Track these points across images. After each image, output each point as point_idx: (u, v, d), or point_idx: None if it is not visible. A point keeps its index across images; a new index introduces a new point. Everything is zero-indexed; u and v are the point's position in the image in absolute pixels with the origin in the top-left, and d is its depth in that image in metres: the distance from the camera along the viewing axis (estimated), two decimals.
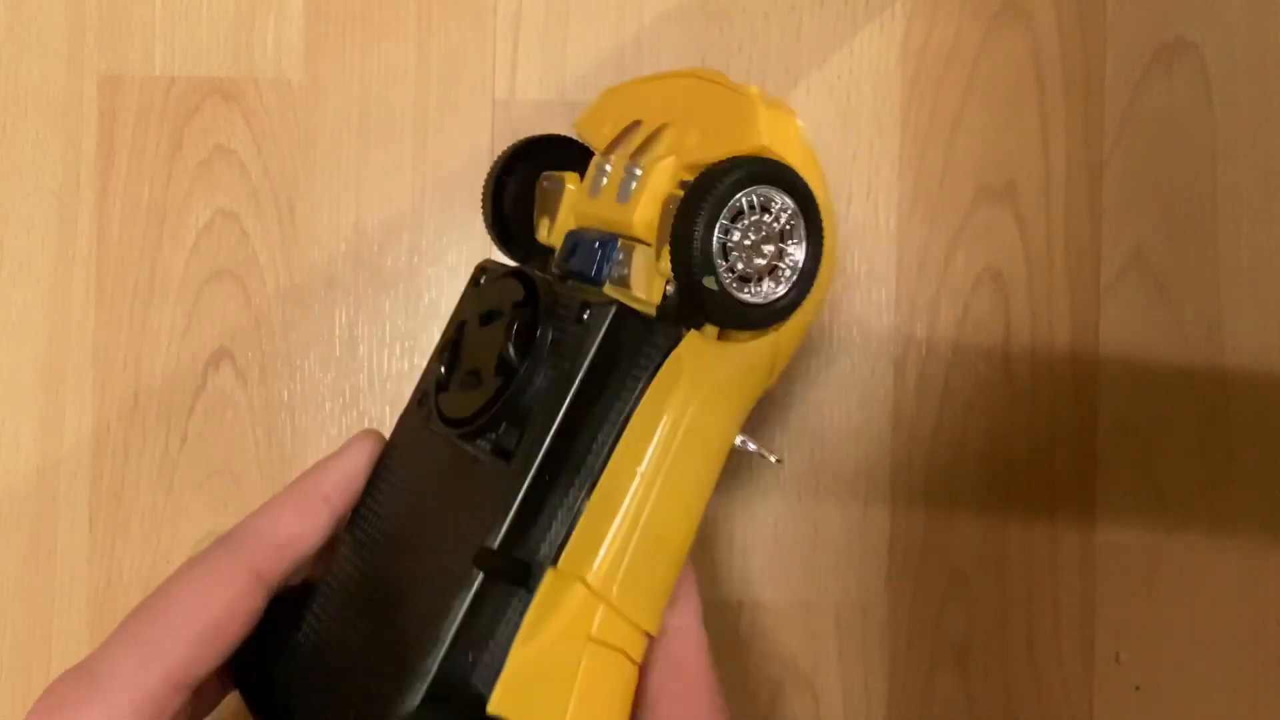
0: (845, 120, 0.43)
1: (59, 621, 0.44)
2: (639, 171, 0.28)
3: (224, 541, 0.29)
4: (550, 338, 0.26)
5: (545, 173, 0.33)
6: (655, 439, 0.26)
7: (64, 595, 0.44)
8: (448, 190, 0.44)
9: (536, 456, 0.25)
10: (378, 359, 0.44)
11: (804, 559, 0.43)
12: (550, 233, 0.32)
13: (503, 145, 0.43)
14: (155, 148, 0.44)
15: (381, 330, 0.44)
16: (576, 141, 0.34)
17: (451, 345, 0.29)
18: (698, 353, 0.27)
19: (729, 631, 0.43)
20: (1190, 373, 0.43)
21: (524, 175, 0.33)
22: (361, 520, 0.30)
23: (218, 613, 0.27)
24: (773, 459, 0.30)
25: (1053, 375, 0.43)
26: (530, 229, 0.33)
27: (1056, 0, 0.43)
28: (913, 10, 0.43)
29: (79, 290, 0.44)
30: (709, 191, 0.26)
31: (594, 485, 0.26)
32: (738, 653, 0.43)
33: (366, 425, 0.43)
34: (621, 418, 0.26)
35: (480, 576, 0.25)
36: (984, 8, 0.43)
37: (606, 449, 0.26)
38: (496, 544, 0.25)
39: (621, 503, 0.26)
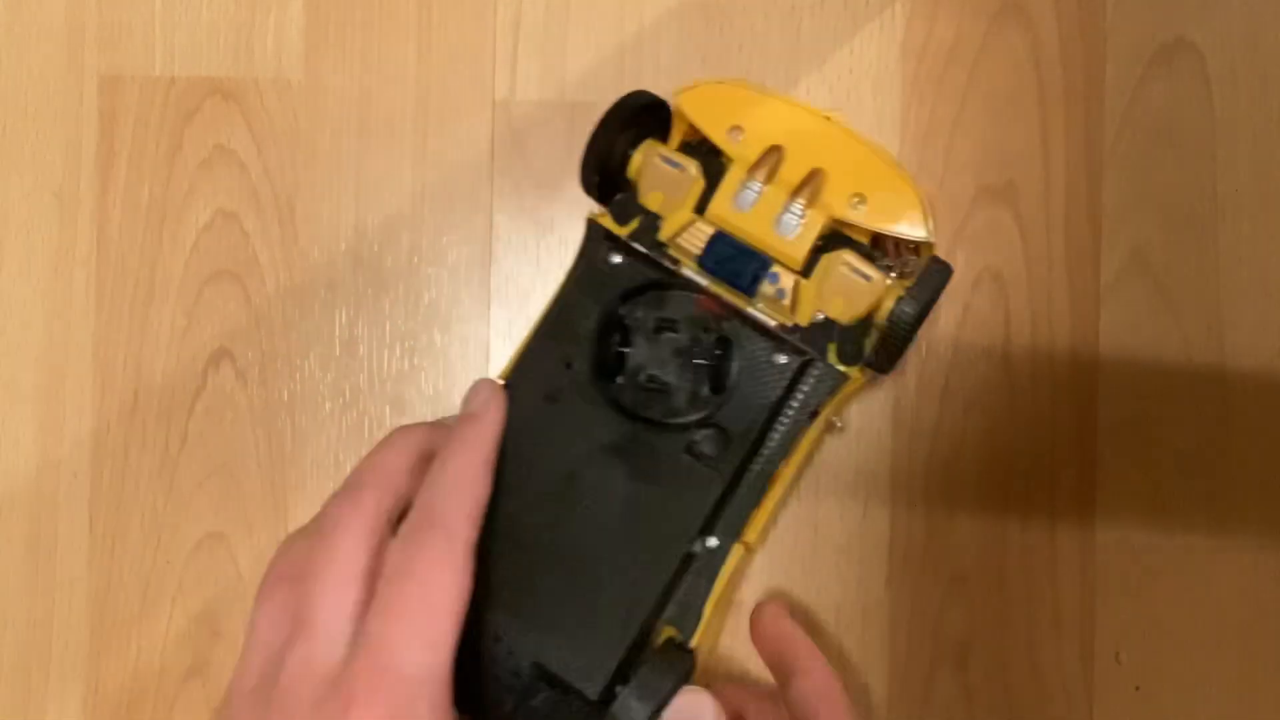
0: (845, 120, 0.43)
1: (59, 621, 0.44)
2: (800, 213, 0.35)
3: (432, 524, 0.30)
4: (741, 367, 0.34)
5: (656, 146, 0.37)
6: (807, 445, 0.35)
7: (64, 595, 0.44)
8: (448, 190, 0.44)
9: (735, 467, 0.33)
10: (378, 359, 0.44)
11: (804, 559, 0.43)
12: (665, 210, 0.36)
13: (503, 145, 0.44)
14: (155, 148, 0.44)
15: (381, 330, 0.44)
16: (668, 110, 0.38)
17: (618, 335, 0.35)
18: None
19: (729, 631, 0.43)
20: (1190, 373, 0.43)
21: (630, 133, 0.37)
22: (507, 474, 0.33)
23: (462, 590, 0.30)
24: (838, 424, 0.40)
25: (1053, 375, 0.43)
26: (610, 175, 0.37)
27: (1056, 0, 0.43)
28: (913, 10, 0.43)
29: (79, 290, 0.44)
30: (921, 298, 0.34)
31: (767, 483, 0.34)
32: (738, 653, 0.43)
33: (367, 425, 0.43)
34: (795, 435, 0.34)
35: (683, 555, 0.33)
36: (984, 8, 0.43)
37: (779, 454, 0.34)
38: (697, 531, 0.33)
39: (780, 490, 0.35)
